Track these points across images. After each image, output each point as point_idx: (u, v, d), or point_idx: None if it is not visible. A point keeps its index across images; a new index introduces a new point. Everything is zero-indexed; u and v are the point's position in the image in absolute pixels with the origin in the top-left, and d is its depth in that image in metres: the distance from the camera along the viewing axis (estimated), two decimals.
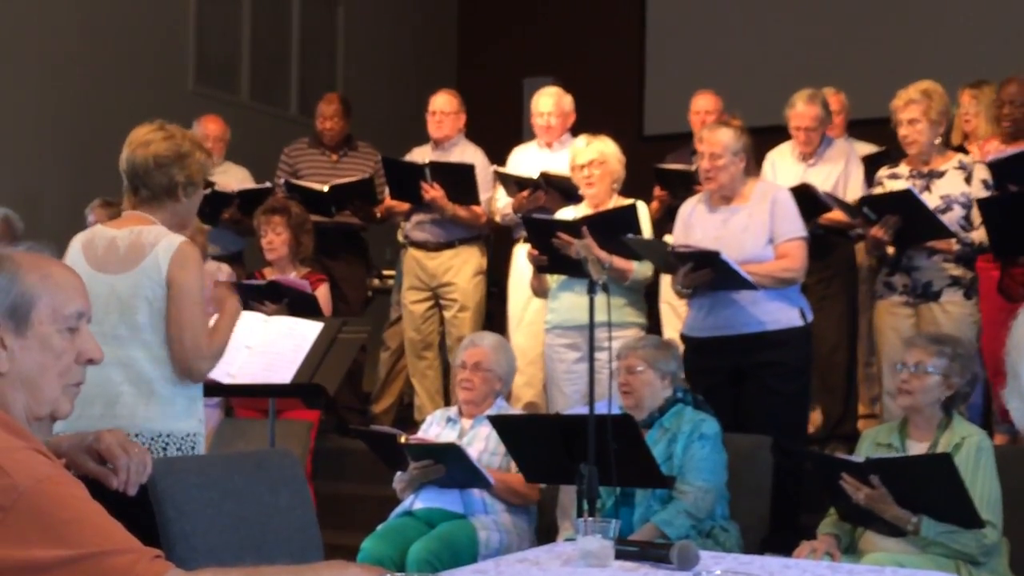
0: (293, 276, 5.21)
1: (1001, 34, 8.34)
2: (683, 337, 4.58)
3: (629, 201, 4.93)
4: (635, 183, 5.08)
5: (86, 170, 7.19)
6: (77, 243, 3.22)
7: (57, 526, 1.47)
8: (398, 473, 4.20)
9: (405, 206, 5.98)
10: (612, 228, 4.62)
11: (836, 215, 5.08)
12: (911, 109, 4.69)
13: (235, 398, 5.06)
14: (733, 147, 4.39)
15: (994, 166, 4.68)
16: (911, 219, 4.55)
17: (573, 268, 4.43)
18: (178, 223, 3.21)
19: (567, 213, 5.08)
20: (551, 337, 5.06)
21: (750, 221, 4.40)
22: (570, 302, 4.86)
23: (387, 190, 6.05)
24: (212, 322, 3.27)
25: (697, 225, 4.52)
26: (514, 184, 5.64)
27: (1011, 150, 4.86)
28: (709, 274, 4.28)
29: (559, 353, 5.02)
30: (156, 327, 3.09)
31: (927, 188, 4.74)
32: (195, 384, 3.19)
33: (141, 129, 3.20)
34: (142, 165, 3.14)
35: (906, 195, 4.56)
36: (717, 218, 4.47)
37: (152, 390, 3.08)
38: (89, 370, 3.00)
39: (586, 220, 4.71)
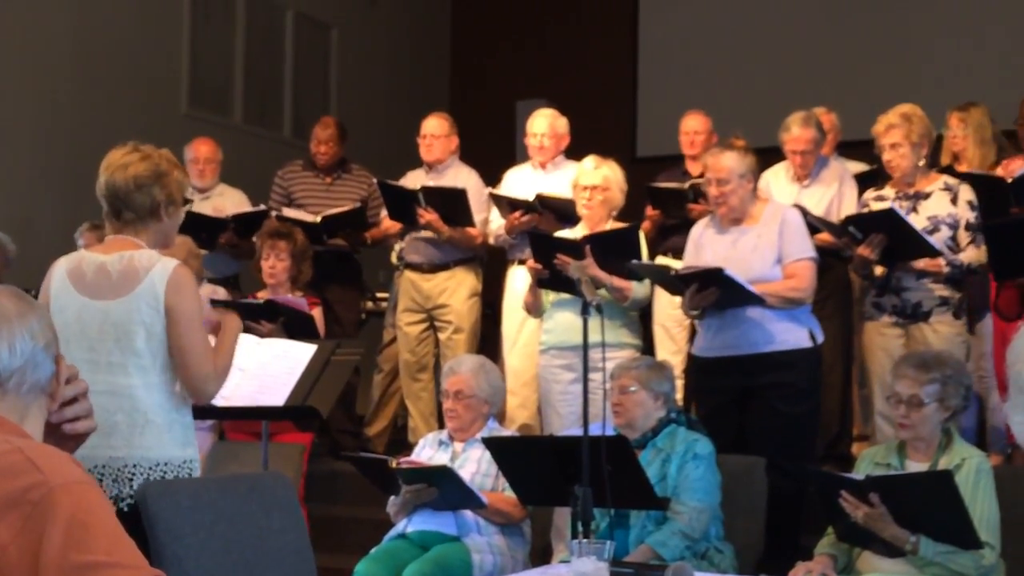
0: (289, 297, 5.20)
1: (988, 57, 8.39)
2: (692, 357, 4.57)
3: (628, 224, 4.95)
4: (628, 204, 5.08)
5: (79, 194, 7.16)
6: (61, 269, 3.17)
7: (75, 529, 1.49)
8: (391, 497, 4.18)
9: (397, 226, 5.99)
10: (613, 249, 4.63)
11: (826, 236, 5.09)
12: (892, 134, 4.72)
13: (227, 421, 5.04)
14: (739, 170, 4.38)
15: (1017, 183, 4.70)
16: (896, 238, 4.57)
17: (571, 286, 4.43)
18: (162, 243, 3.19)
19: (563, 232, 5.09)
20: (546, 358, 5.05)
21: (759, 241, 4.39)
22: (565, 323, 4.86)
23: (383, 211, 6.06)
24: (213, 343, 3.26)
25: (707, 246, 4.51)
26: (507, 206, 5.64)
27: None
28: (715, 293, 4.27)
29: (554, 374, 5.01)
30: (154, 353, 3.07)
31: (913, 209, 4.76)
32: (187, 410, 3.17)
33: (116, 152, 3.19)
34: (123, 187, 3.12)
35: (889, 214, 4.58)
36: (727, 239, 4.46)
37: (148, 419, 3.05)
38: None
39: (588, 239, 4.72)
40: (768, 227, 4.39)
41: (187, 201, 3.28)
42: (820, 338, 4.43)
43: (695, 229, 4.65)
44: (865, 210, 4.90)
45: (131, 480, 3.01)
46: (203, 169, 6.28)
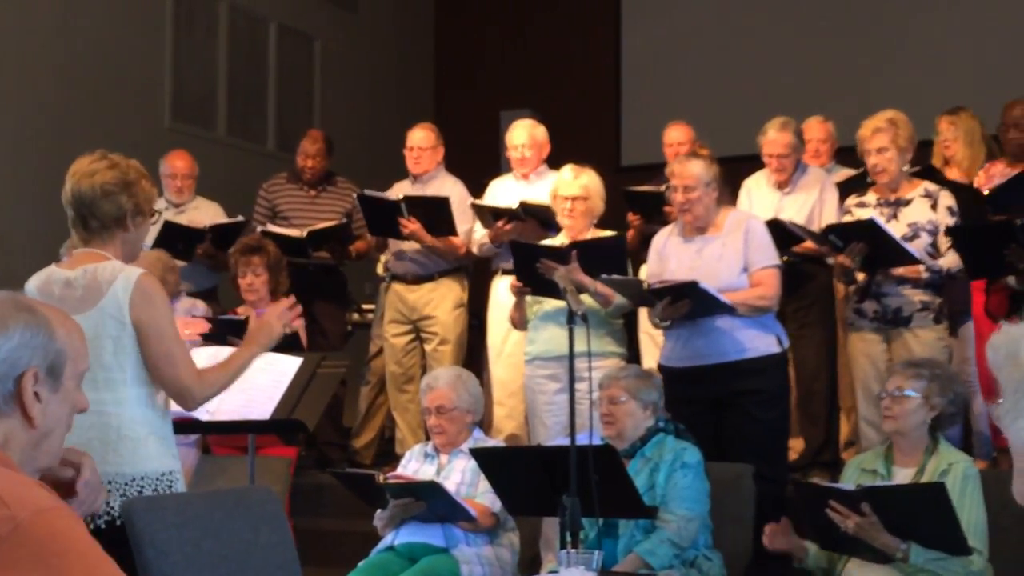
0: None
1: (975, 62, 8.44)
2: (660, 368, 4.58)
3: (612, 233, 4.97)
4: (611, 213, 5.09)
5: (60, 208, 7.15)
6: (32, 287, 3.13)
7: (50, 558, 1.47)
8: (378, 510, 4.17)
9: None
10: (598, 257, 4.63)
11: (809, 244, 5.11)
12: (879, 138, 4.75)
13: (212, 436, 5.02)
14: (705, 178, 4.42)
15: (994, 193, 4.75)
16: (877, 246, 4.60)
17: (555, 290, 4.43)
18: (128, 253, 3.13)
19: (545, 240, 5.09)
20: (531, 368, 5.05)
21: (724, 250, 4.42)
22: (549, 333, 4.86)
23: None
24: (211, 353, 3.18)
25: (672, 255, 4.54)
26: (490, 216, 5.64)
27: (1012, 172, 4.94)
28: (687, 305, 4.29)
29: (540, 384, 5.01)
30: (122, 365, 3.01)
31: (894, 216, 4.79)
32: (166, 423, 3.11)
33: (83, 160, 3.15)
34: (88, 195, 3.08)
35: (870, 224, 4.61)
36: (691, 248, 4.49)
37: (120, 434, 2.98)
38: None
39: (574, 246, 4.72)
40: (732, 236, 4.43)
41: (154, 213, 3.24)
42: (786, 343, 4.49)
43: (657, 238, 4.68)
44: (847, 216, 4.93)
45: (107, 495, 2.96)
46: (180, 185, 6.26)
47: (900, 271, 4.69)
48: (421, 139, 5.98)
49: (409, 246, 5.85)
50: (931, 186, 4.87)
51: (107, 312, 3.00)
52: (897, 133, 4.74)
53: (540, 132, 5.79)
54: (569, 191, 4.91)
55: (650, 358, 5.65)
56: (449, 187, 5.92)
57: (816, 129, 5.86)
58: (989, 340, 1.55)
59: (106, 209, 3.08)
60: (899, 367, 3.70)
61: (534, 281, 4.73)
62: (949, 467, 3.48)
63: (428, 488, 3.99)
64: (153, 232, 5.65)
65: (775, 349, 4.42)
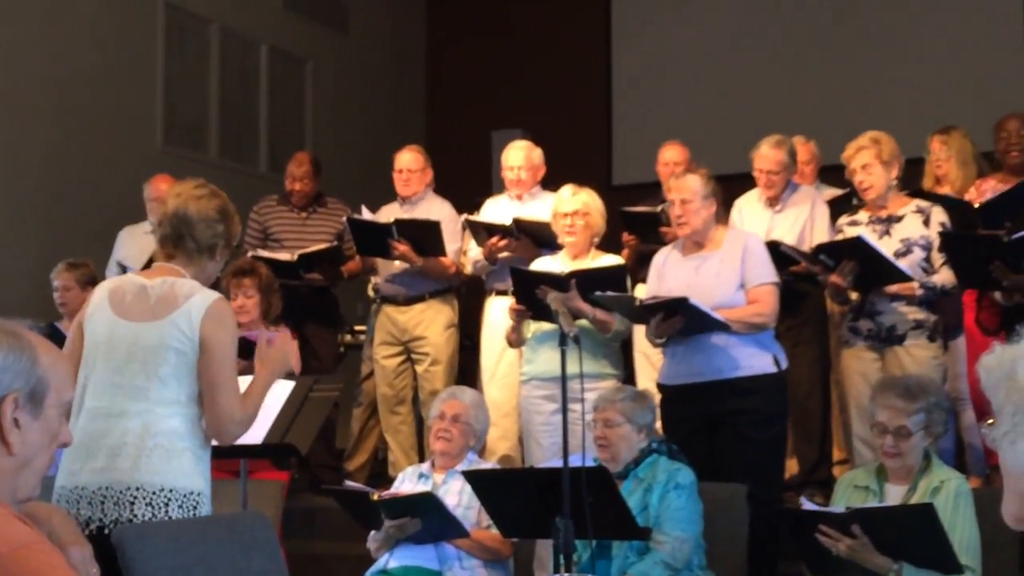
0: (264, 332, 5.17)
1: (966, 81, 8.47)
2: (659, 386, 4.59)
3: (614, 258, 5.01)
4: (605, 231, 5.10)
5: (53, 231, 7.16)
6: (104, 289, 3.18)
7: None
8: (372, 532, 4.16)
9: (372, 260, 5.99)
10: (600, 286, 4.61)
11: (803, 265, 5.12)
12: (863, 155, 4.80)
13: None
14: (702, 192, 4.45)
15: (985, 206, 4.76)
16: (867, 265, 4.61)
17: (552, 315, 4.44)
18: (204, 280, 3.19)
19: (545, 262, 5.10)
20: (528, 389, 5.05)
21: (722, 267, 4.43)
22: (546, 354, 4.86)
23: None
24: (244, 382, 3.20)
25: (670, 272, 4.55)
26: (484, 232, 5.64)
27: (1003, 187, 4.97)
28: (680, 321, 4.29)
29: (536, 405, 5.00)
30: (180, 380, 3.02)
31: (887, 232, 4.80)
32: (206, 446, 3.10)
33: (187, 184, 3.24)
34: (194, 217, 3.15)
35: (858, 242, 4.62)
36: (690, 265, 4.50)
37: (157, 443, 2.97)
38: (97, 422, 2.99)
39: (574, 275, 4.73)
40: (730, 253, 4.44)
41: (236, 248, 3.30)
42: (784, 363, 4.46)
43: (658, 256, 4.70)
44: (839, 235, 4.94)
45: (132, 504, 2.93)
46: None
47: (894, 289, 4.69)
48: (410, 161, 5.99)
49: (399, 267, 5.85)
50: (923, 202, 4.88)
51: (177, 325, 3.03)
52: (880, 149, 4.78)
53: (536, 154, 5.81)
54: (569, 207, 4.94)
55: (645, 378, 5.64)
56: (437, 209, 5.93)
57: (800, 150, 5.88)
58: (980, 361, 1.53)
59: (205, 235, 3.16)
60: (895, 400, 3.58)
61: (534, 306, 4.74)
62: (941, 484, 3.48)
63: (424, 501, 3.98)
64: (143, 256, 5.65)
65: (771, 369, 4.38)
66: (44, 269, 5.86)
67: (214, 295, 3.09)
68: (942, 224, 4.75)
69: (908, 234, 4.77)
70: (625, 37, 9.89)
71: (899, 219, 4.82)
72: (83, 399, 3.05)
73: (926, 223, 4.77)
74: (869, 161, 4.79)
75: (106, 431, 2.98)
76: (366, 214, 5.89)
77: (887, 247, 4.70)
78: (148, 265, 3.47)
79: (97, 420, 3.02)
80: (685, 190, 4.46)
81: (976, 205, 4.95)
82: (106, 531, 2.85)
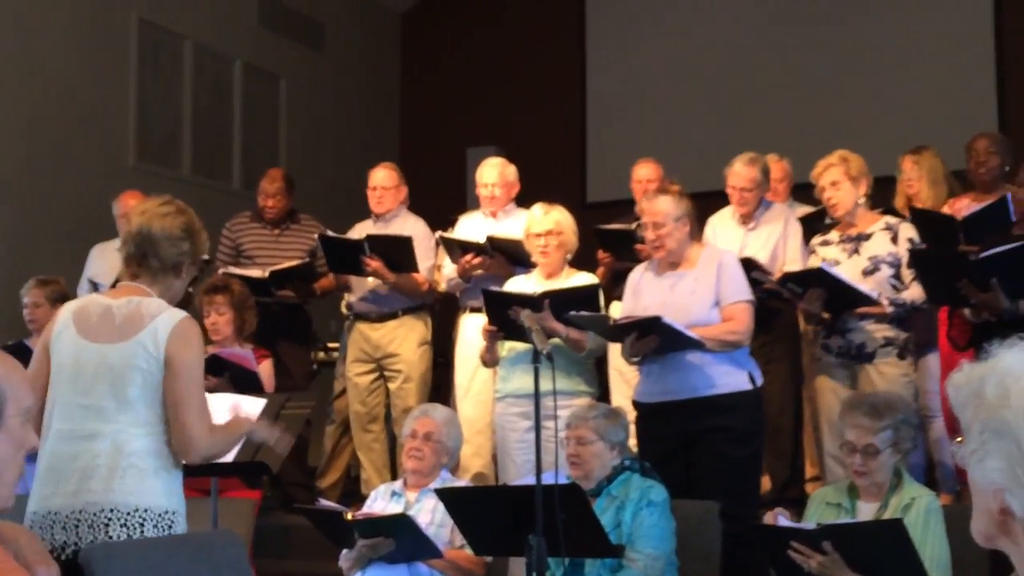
0: (237, 349, 5.14)
1: (936, 102, 8.55)
2: (635, 404, 4.58)
3: (588, 277, 5.01)
4: (579, 249, 5.11)
5: (25, 248, 7.10)
6: (68, 311, 3.16)
7: None
8: (344, 551, 4.13)
9: (344, 278, 5.97)
10: (572, 306, 4.61)
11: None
12: (831, 172, 4.86)
13: None
14: (675, 214, 4.44)
15: (966, 221, 4.80)
16: (833, 291, 4.65)
17: (525, 334, 4.44)
18: (170, 298, 3.18)
19: (519, 281, 5.10)
20: (502, 406, 5.04)
21: (696, 285, 4.43)
22: (521, 371, 4.86)
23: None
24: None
25: (645, 291, 4.55)
26: (458, 249, 5.64)
27: (977, 205, 5.00)
28: (655, 340, 4.30)
29: (510, 422, 4.99)
30: (148, 400, 3.01)
31: (856, 251, 4.84)
32: (177, 465, 3.09)
33: (152, 201, 3.22)
34: (157, 235, 3.13)
35: (819, 272, 4.66)
36: (664, 283, 4.50)
37: (130, 462, 2.96)
38: (67, 444, 2.96)
39: (547, 296, 4.73)
40: (705, 271, 4.44)
41: (203, 264, 3.29)
42: (760, 381, 4.46)
43: (633, 274, 4.70)
44: (812, 256, 4.99)
45: (107, 526, 2.91)
46: None
47: (863, 310, 4.73)
48: (383, 179, 5.99)
49: (372, 283, 5.84)
50: (892, 219, 4.93)
51: (143, 344, 3.01)
52: (848, 166, 4.84)
53: (511, 171, 5.82)
54: (542, 227, 4.94)
55: (619, 395, 5.64)
56: (411, 226, 5.92)
57: (773, 168, 5.92)
58: (949, 379, 1.53)
59: (169, 252, 3.14)
60: (861, 418, 3.60)
61: (507, 327, 4.73)
62: (912, 501, 3.49)
63: (398, 523, 3.96)
64: (114, 273, 5.61)
65: (746, 386, 4.38)
66: (14, 285, 5.81)
67: (181, 314, 3.07)
68: (910, 240, 4.79)
69: (876, 252, 4.81)
70: (600, 55, 9.94)
71: (868, 237, 4.86)
72: (50, 421, 3.03)
73: (894, 240, 4.81)
74: (838, 178, 4.84)
75: (76, 453, 2.96)
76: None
77: (856, 266, 4.73)
78: (116, 284, 3.45)
79: (66, 442, 2.99)
80: (657, 213, 4.44)
81: (959, 219, 4.99)
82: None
